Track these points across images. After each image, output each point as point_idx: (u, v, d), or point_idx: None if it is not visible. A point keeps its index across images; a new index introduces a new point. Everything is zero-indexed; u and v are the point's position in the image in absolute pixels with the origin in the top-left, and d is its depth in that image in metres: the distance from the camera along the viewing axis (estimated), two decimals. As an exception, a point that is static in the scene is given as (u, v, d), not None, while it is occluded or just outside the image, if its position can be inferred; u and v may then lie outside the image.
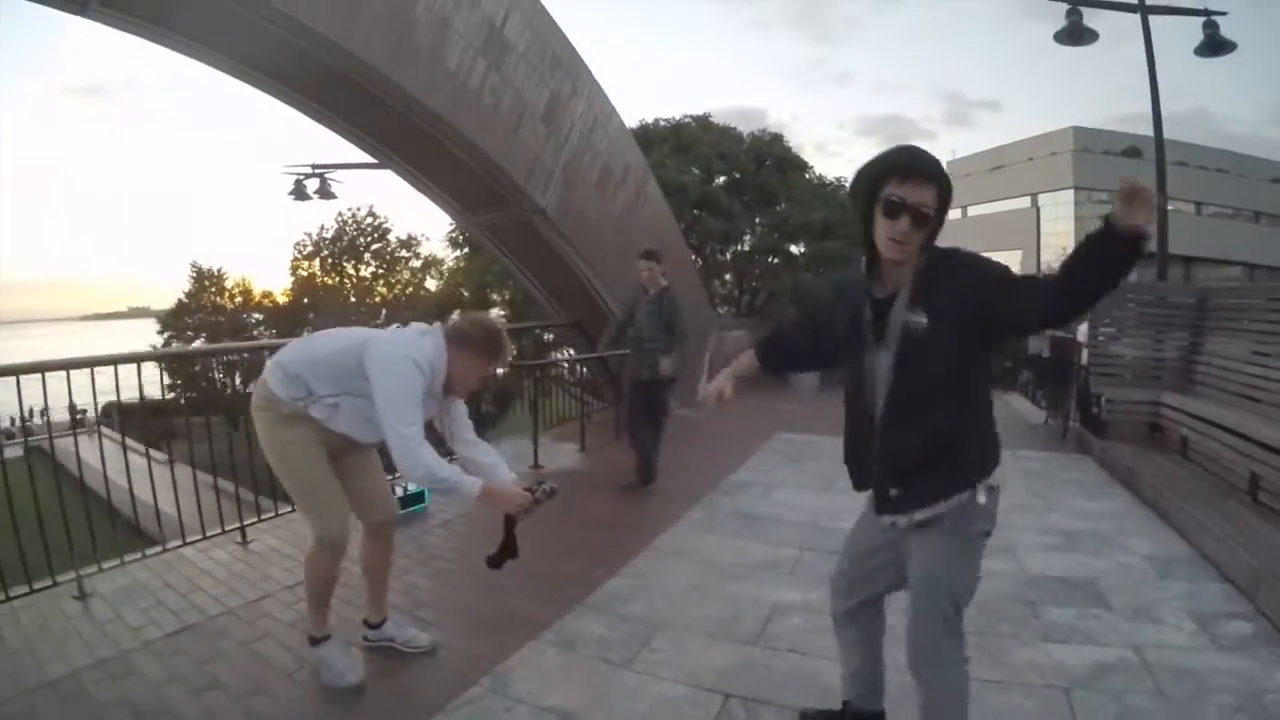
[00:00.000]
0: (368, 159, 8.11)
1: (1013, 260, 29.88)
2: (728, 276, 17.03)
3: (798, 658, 2.57)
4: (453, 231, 18.35)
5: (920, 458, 1.64)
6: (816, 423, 6.72)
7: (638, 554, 3.65)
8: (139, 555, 3.53)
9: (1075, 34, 7.73)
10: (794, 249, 15.42)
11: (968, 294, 1.54)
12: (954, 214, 41.81)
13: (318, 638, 2.48)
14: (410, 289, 32.19)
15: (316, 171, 12.15)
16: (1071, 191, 31.34)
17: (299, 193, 12.12)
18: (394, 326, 2.59)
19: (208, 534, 3.81)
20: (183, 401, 20.42)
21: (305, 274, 32.83)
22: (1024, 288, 1.52)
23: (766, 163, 15.32)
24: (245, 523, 3.94)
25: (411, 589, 3.23)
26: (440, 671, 2.53)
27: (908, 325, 1.60)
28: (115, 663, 2.55)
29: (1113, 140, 31.43)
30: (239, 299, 33.23)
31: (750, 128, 16.59)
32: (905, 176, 1.55)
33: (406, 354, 2.24)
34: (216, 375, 21.90)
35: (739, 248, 15.99)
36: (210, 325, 30.89)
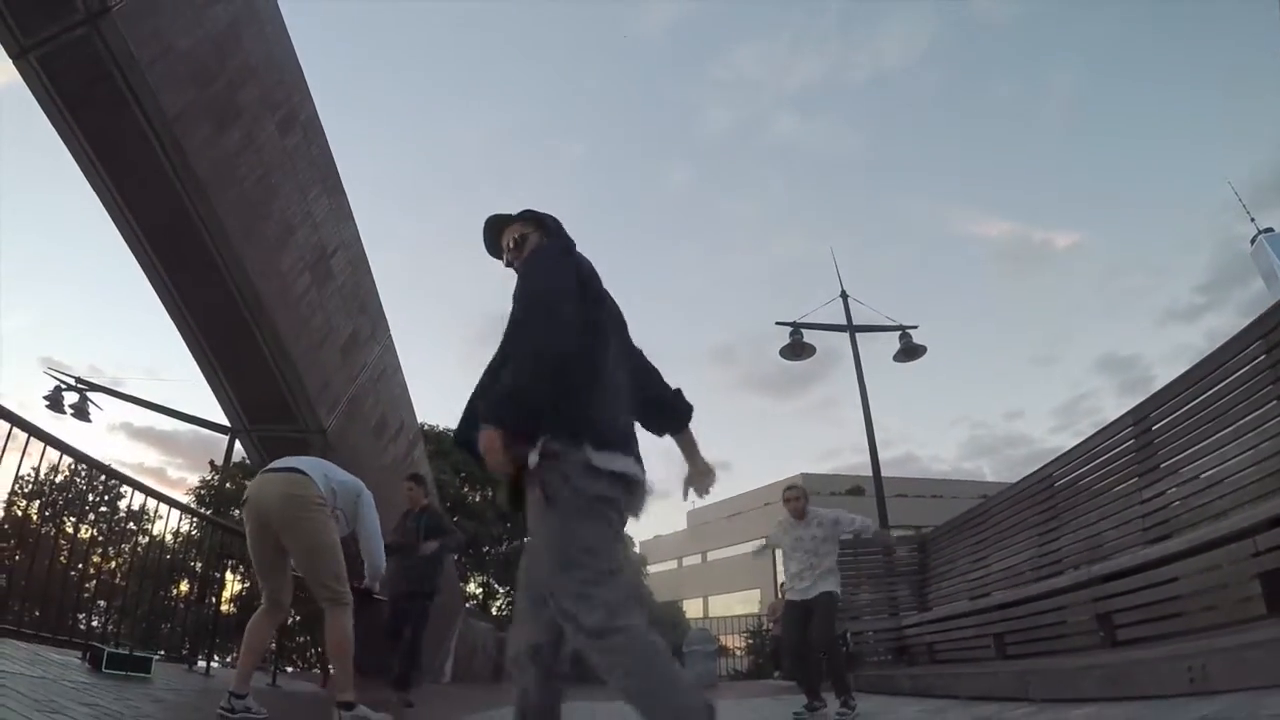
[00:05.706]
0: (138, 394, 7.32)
1: (750, 599, 31.84)
2: (478, 586, 18.29)
3: None
4: (200, 489, 16.30)
5: None
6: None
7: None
8: None
9: (797, 350, 9.82)
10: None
11: None
12: (695, 559, 43.63)
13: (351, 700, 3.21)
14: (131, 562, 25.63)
15: (80, 386, 10.51)
16: (803, 531, 35.10)
17: (55, 403, 10.21)
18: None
19: None
20: None
21: (20, 513, 25.20)
22: None
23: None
24: None
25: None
26: None
27: None
28: None
29: (838, 483, 32.78)
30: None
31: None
32: None
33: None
34: None
35: (490, 551, 16.48)
36: None
